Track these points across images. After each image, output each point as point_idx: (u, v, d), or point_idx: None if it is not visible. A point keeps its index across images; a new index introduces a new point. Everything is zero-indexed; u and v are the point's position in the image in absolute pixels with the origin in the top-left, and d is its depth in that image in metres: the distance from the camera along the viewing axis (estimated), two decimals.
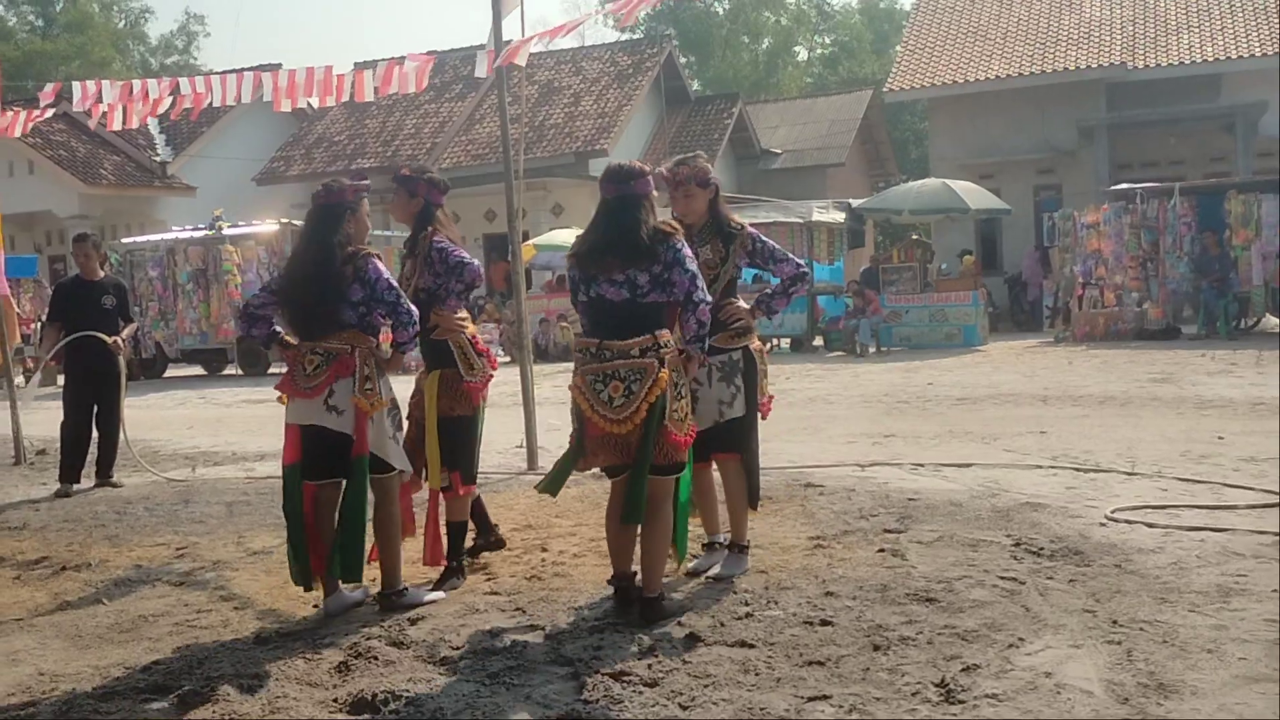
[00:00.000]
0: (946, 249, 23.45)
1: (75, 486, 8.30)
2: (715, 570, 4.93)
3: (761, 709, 3.39)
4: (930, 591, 4.47)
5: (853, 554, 5.17)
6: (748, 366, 4.89)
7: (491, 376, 5.24)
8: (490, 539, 5.56)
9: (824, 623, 4.15)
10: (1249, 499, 5.98)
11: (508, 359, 15.14)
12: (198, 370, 21.59)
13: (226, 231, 20.30)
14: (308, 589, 4.75)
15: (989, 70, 25.11)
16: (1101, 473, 6.97)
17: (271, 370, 19.80)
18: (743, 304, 4.96)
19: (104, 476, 8.50)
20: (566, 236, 19.18)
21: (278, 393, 4.75)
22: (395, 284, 4.72)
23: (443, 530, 5.12)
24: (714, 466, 5.04)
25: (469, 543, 5.49)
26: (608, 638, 4.11)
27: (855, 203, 22.12)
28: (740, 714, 3.38)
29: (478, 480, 5.35)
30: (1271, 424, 8.46)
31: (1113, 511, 5.74)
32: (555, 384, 12.80)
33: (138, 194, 30.20)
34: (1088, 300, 18.51)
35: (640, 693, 3.55)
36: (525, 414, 8.27)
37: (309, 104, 9.75)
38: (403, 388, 4.99)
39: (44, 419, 10.73)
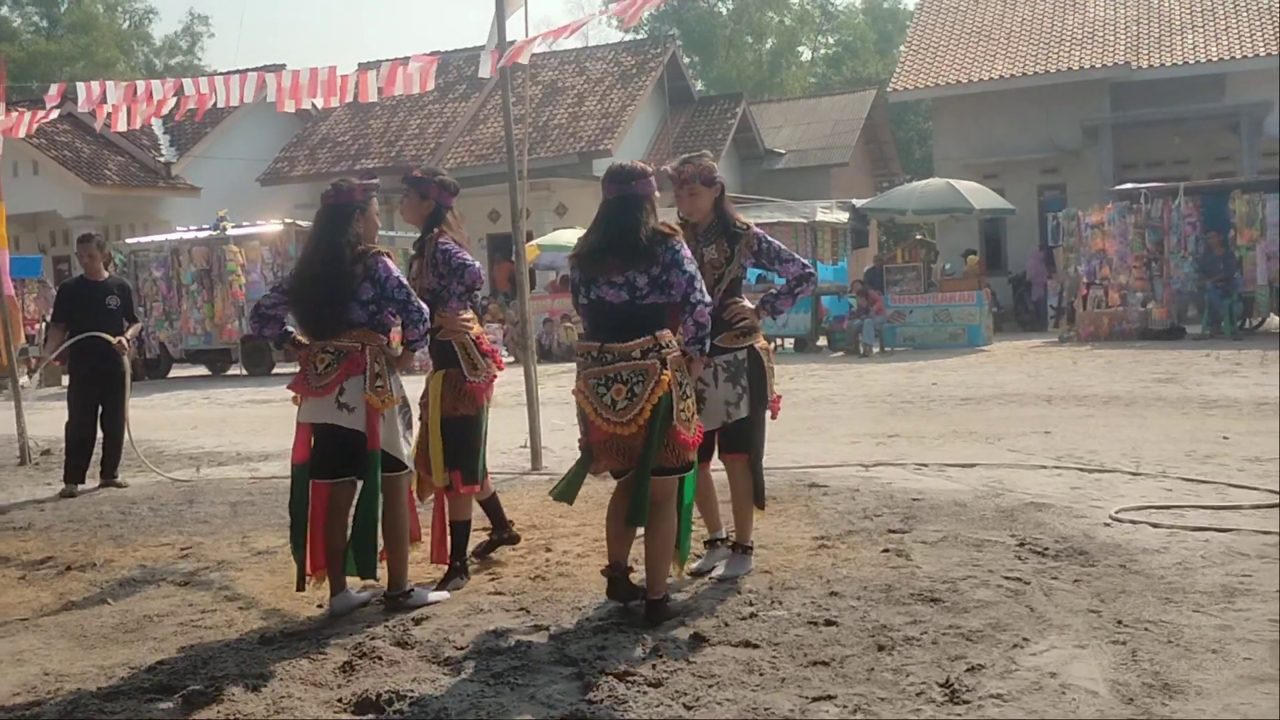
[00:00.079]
0: (950, 249, 23.43)
1: (80, 487, 8.31)
2: (719, 571, 4.93)
3: (766, 709, 3.39)
4: (935, 592, 4.47)
5: (857, 554, 5.17)
6: (754, 366, 4.88)
7: (495, 377, 5.26)
8: (505, 534, 5.60)
9: (828, 623, 4.15)
10: (1254, 499, 5.97)
11: (511, 359, 15.15)
12: (202, 370, 21.63)
13: (231, 232, 20.34)
14: (299, 589, 4.76)
15: (993, 70, 25.10)
16: (1106, 473, 6.97)
17: (275, 370, 19.85)
18: (747, 303, 4.95)
19: (109, 477, 8.51)
20: (570, 237, 19.17)
21: (291, 393, 4.77)
22: (405, 282, 4.74)
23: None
24: (712, 465, 5.03)
25: (485, 538, 5.54)
26: (612, 638, 4.11)
27: (859, 203, 22.11)
28: (745, 714, 3.38)
29: (490, 477, 5.37)
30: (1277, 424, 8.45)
31: (1117, 511, 5.74)
32: (559, 384, 12.80)
33: (142, 194, 30.25)
34: (1092, 300, 18.49)
35: (645, 693, 3.55)
36: (529, 414, 8.28)
37: (313, 105, 9.75)
38: (413, 388, 5.00)
39: (49, 419, 10.75)
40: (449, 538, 5.16)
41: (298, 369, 4.81)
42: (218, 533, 6.54)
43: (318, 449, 4.70)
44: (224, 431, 11.80)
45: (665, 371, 4.25)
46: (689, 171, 4.91)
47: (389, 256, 4.73)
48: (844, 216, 21.03)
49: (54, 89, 10.40)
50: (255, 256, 19.96)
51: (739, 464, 4.95)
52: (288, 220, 21.01)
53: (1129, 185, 19.59)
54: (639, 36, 39.24)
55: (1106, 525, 5.52)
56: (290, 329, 4.88)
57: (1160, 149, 23.77)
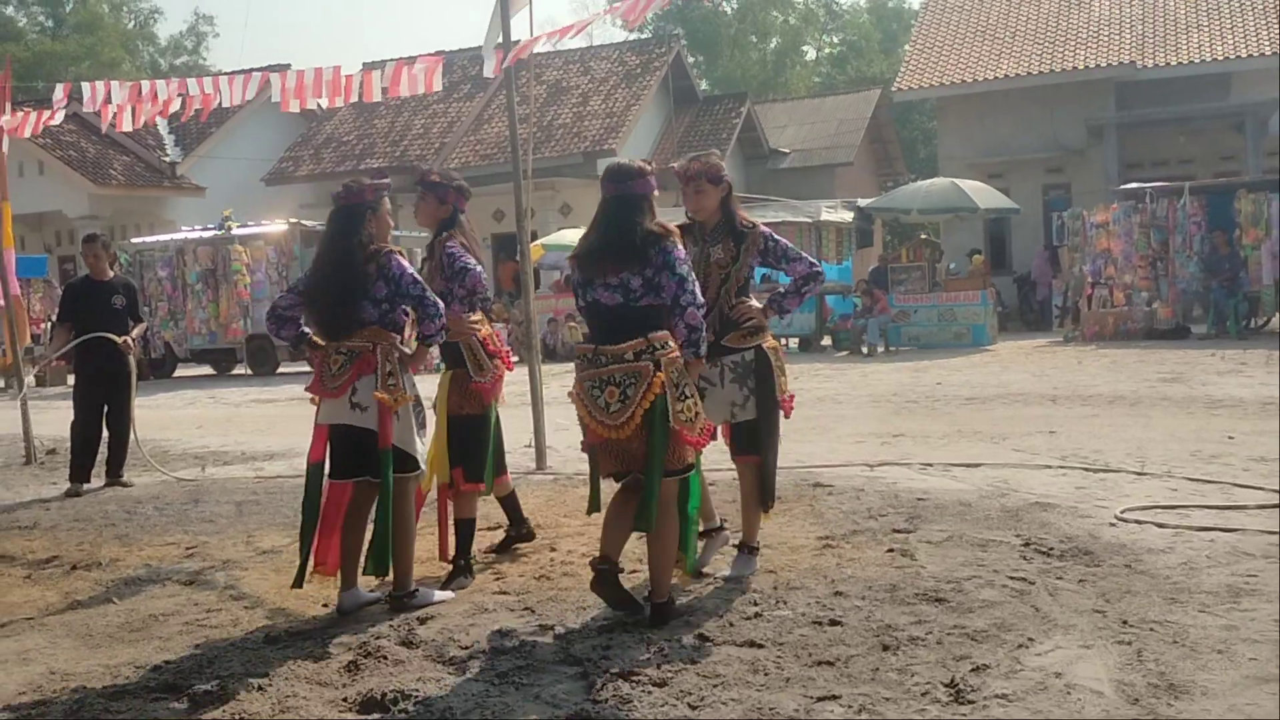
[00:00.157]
0: (955, 248, 23.41)
1: (85, 486, 8.32)
2: (724, 571, 4.92)
3: (771, 709, 3.39)
4: (939, 591, 4.47)
5: (862, 554, 5.17)
6: (762, 366, 4.86)
7: (502, 376, 5.28)
8: (522, 530, 5.64)
9: (833, 623, 4.14)
10: (1259, 499, 5.96)
11: (517, 358, 15.14)
12: (207, 370, 21.65)
13: (235, 232, 20.37)
14: (298, 585, 4.76)
15: (998, 69, 25.07)
16: (1111, 472, 6.96)
17: (280, 370, 19.88)
18: (755, 303, 4.94)
19: (114, 476, 8.52)
20: (575, 236, 19.05)
21: (310, 395, 4.79)
22: (419, 278, 4.76)
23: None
24: (712, 465, 5.02)
25: (502, 535, 5.61)
26: (617, 637, 4.11)
27: (863, 202, 22.09)
28: (749, 714, 3.38)
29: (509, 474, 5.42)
30: None
31: (1122, 511, 5.73)
32: (563, 384, 12.72)
33: (147, 194, 30.31)
34: (1097, 300, 18.46)
35: (649, 692, 3.55)
36: (534, 414, 8.29)
37: (318, 104, 9.76)
38: (428, 389, 5.01)
39: (54, 419, 10.77)
40: (454, 536, 5.17)
41: (309, 370, 4.83)
42: (223, 532, 6.55)
43: (336, 450, 4.73)
44: (229, 431, 11.82)
45: (658, 374, 4.22)
46: (696, 169, 4.91)
47: (402, 254, 4.74)
48: (849, 216, 21.01)
49: (59, 89, 10.42)
50: (260, 256, 19.98)
51: (751, 465, 4.94)
52: (293, 220, 21.05)
53: (1134, 185, 19.56)
54: (643, 36, 39.27)
55: (1111, 525, 5.51)
56: (306, 330, 4.90)
57: (1165, 148, 23.74)
